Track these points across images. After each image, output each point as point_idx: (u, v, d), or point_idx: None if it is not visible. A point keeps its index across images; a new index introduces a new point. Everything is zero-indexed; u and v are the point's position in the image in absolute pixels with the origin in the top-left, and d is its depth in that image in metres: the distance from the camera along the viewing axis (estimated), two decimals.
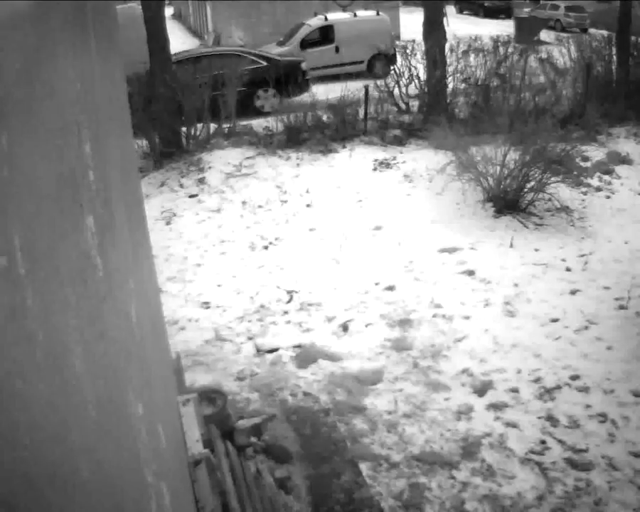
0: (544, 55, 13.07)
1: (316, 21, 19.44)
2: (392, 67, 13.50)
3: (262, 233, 8.41)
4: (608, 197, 8.94)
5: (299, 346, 5.78)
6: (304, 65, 14.75)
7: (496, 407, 4.82)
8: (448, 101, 12.17)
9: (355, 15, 19.63)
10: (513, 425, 4.60)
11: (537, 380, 5.10)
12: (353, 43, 18.48)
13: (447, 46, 12.36)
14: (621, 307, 6.13)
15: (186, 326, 6.27)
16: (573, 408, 4.76)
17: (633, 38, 12.88)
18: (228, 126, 11.94)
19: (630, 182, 9.42)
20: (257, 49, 16.45)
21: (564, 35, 19.04)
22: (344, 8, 21.71)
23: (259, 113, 13.23)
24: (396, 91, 12.71)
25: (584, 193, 8.89)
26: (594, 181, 9.29)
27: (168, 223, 8.90)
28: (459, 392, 5.01)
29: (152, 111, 10.46)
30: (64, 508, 1.28)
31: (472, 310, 6.15)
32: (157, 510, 1.73)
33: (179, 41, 26.33)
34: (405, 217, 8.41)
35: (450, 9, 32.06)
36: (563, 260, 7.20)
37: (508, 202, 8.34)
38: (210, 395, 4.31)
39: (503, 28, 23.84)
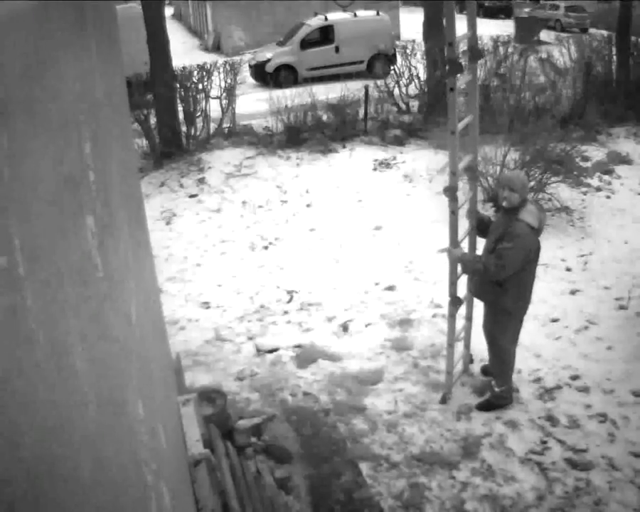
0: (544, 55, 13.08)
1: (316, 21, 19.46)
2: (392, 67, 13.51)
3: (262, 233, 8.42)
4: (608, 197, 8.94)
5: (299, 346, 5.78)
6: None
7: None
8: None
9: (355, 15, 19.64)
10: (513, 425, 4.60)
11: (537, 380, 5.10)
12: (353, 43, 18.50)
13: None
14: (621, 307, 6.13)
15: (186, 326, 6.27)
16: (573, 408, 4.76)
17: (633, 38, 12.88)
18: (228, 126, 11.95)
19: (630, 182, 9.41)
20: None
21: (564, 35, 19.06)
22: (344, 8, 21.72)
23: None
24: (396, 91, 12.72)
25: (584, 193, 8.89)
26: (594, 181, 9.28)
27: (168, 223, 8.91)
28: (459, 392, 5.01)
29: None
30: (64, 508, 1.28)
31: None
32: (157, 510, 1.73)
33: (179, 41, 26.33)
34: (405, 217, 8.42)
35: None
36: (563, 260, 7.20)
37: None
38: (210, 395, 4.31)
39: (503, 28, 23.80)
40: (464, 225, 4.72)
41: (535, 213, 4.25)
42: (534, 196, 8.32)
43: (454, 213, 4.40)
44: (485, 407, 4.78)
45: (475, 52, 4.50)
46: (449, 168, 4.30)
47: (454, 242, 4.44)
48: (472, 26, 4.34)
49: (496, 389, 4.74)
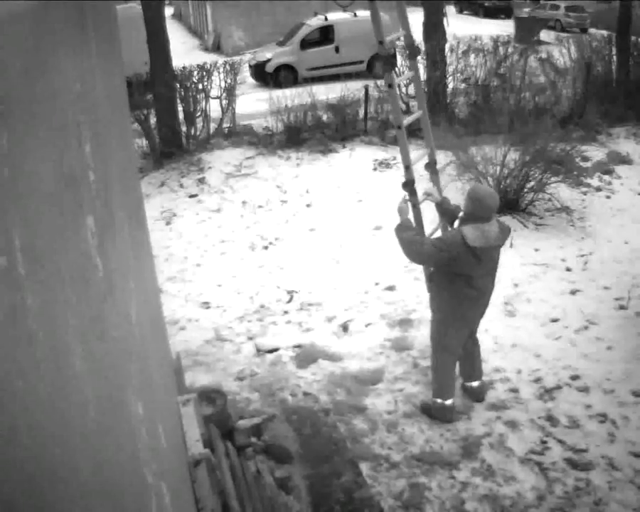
0: (544, 55, 13.08)
1: (316, 21, 19.46)
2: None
3: (262, 233, 8.42)
4: (608, 197, 8.94)
5: (299, 346, 5.78)
6: None
7: (496, 407, 4.82)
8: (448, 101, 12.17)
9: (355, 15, 19.63)
10: (513, 425, 4.60)
11: (537, 380, 5.10)
12: (353, 43, 18.50)
13: (447, 46, 12.37)
14: (621, 307, 6.13)
15: (186, 326, 6.27)
16: (573, 408, 4.76)
17: (633, 38, 12.89)
18: (228, 126, 11.95)
19: (630, 182, 9.42)
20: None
21: (564, 35, 19.07)
22: (344, 8, 21.70)
23: None
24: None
25: (584, 193, 8.89)
26: (594, 181, 9.29)
27: (168, 223, 8.91)
28: (459, 392, 5.01)
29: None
30: (64, 508, 1.28)
31: None
32: (157, 510, 1.73)
33: (179, 41, 26.33)
34: None
35: (450, 9, 32.08)
36: (563, 260, 7.20)
37: (508, 202, 8.33)
38: (210, 395, 4.31)
39: (503, 28, 23.81)
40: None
41: (482, 233, 4.07)
42: (534, 196, 8.33)
43: (415, 207, 4.53)
44: (425, 410, 4.72)
45: (412, 49, 4.75)
46: (403, 163, 4.46)
47: (422, 234, 4.60)
48: (405, 26, 4.61)
49: (433, 399, 4.65)
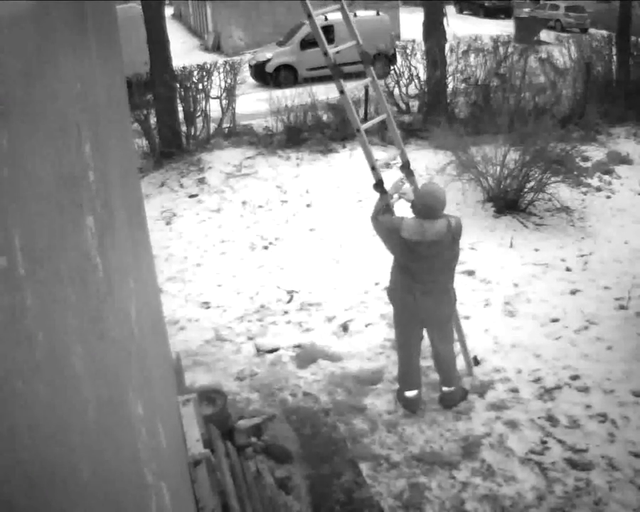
0: (544, 55, 13.08)
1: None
2: (392, 67, 13.51)
3: (262, 233, 8.42)
4: (608, 197, 8.93)
5: (299, 346, 5.78)
6: None
7: (496, 407, 4.82)
8: (448, 101, 12.17)
9: (355, 15, 19.64)
10: (513, 425, 4.60)
11: (537, 380, 5.10)
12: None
13: (447, 46, 12.37)
14: (621, 307, 6.13)
15: (186, 326, 6.27)
16: (573, 408, 4.76)
17: (633, 38, 12.90)
18: (228, 126, 11.96)
19: (630, 182, 9.41)
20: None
21: (564, 35, 19.08)
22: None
23: None
24: (396, 91, 12.72)
25: (584, 193, 8.89)
26: (594, 181, 9.28)
27: (168, 223, 8.91)
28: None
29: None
30: (64, 508, 1.28)
31: (472, 310, 6.14)
32: (157, 510, 1.73)
33: (179, 41, 26.34)
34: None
35: (450, 9, 32.10)
36: (563, 260, 7.20)
37: (508, 202, 8.34)
38: (210, 395, 4.31)
39: (503, 28, 23.82)
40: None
41: (420, 226, 4.25)
42: (534, 196, 8.33)
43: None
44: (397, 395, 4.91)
45: (364, 57, 4.99)
46: (368, 164, 4.58)
47: None
48: (352, 35, 4.87)
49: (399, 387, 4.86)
